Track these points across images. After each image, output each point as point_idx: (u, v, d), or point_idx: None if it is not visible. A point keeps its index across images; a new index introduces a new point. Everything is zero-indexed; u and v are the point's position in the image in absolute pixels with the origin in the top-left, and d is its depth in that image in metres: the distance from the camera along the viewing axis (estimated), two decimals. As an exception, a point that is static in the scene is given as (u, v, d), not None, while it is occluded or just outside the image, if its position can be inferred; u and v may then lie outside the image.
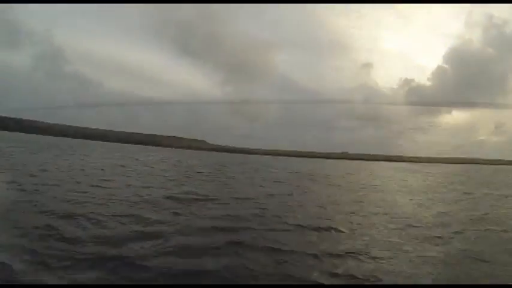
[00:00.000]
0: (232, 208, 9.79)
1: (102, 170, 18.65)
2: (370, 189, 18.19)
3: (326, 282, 4.47)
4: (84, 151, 42.13)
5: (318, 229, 7.62)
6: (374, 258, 5.64)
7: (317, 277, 4.61)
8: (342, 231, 7.59)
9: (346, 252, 5.90)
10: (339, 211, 10.45)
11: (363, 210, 10.66)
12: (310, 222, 8.15)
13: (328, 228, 7.72)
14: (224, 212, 9.02)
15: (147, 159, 33.69)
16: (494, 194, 17.91)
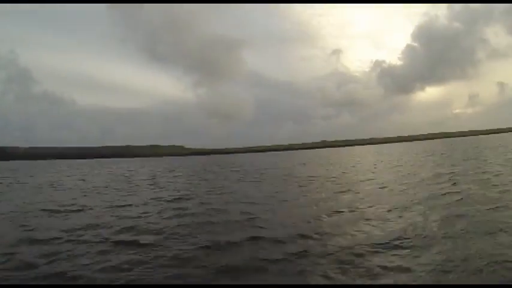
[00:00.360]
0: (95, 217, 9.67)
1: (23, 190, 18.71)
2: (300, 181, 17.01)
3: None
4: (38, 171, 41.72)
5: (136, 244, 6.62)
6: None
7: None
8: (176, 237, 6.93)
9: (131, 263, 5.44)
10: (213, 213, 9.63)
11: (254, 213, 9.33)
12: (144, 236, 7.20)
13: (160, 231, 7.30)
14: (79, 221, 8.81)
15: (91, 173, 33.64)
16: (444, 174, 15.34)
